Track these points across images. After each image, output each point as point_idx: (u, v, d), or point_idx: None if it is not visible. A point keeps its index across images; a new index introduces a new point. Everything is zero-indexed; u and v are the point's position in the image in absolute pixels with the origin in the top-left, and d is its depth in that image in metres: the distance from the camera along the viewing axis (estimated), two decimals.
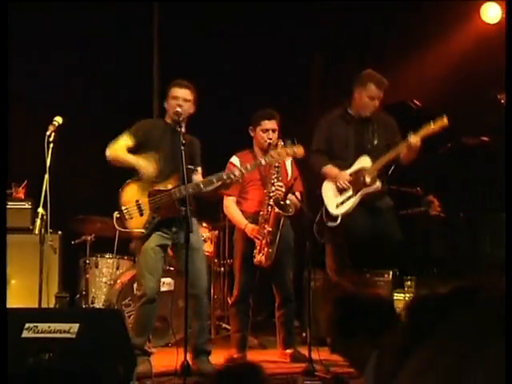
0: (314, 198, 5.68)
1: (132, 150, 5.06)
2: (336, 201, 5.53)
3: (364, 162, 5.54)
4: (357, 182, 5.50)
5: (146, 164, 4.97)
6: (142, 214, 4.99)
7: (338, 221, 5.51)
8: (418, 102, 6.58)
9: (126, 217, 4.99)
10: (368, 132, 5.56)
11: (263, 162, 5.13)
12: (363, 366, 2.59)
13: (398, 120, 6.24)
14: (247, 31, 7.91)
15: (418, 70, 7.55)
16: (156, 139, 5.08)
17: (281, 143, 5.42)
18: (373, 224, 5.54)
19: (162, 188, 4.96)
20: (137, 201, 5.00)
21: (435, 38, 7.47)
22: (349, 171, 5.56)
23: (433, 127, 5.31)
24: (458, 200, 5.45)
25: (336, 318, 2.69)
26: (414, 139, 5.31)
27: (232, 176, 4.90)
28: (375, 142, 5.56)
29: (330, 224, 5.56)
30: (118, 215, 5.00)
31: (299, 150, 5.11)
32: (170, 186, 4.93)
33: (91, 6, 7.54)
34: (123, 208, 5.00)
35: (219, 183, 4.95)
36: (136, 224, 4.99)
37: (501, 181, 5.94)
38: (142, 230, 4.96)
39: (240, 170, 4.95)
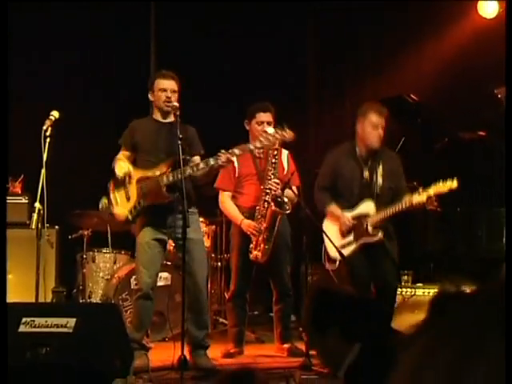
0: (311, 191, 5.68)
1: (132, 157, 5.09)
2: (337, 243, 5.33)
3: (368, 207, 5.35)
4: (359, 227, 5.33)
5: (120, 164, 5.00)
6: (128, 200, 5.00)
7: (337, 264, 5.37)
8: (414, 97, 6.58)
9: (113, 202, 5.01)
10: (374, 172, 5.38)
11: (251, 146, 5.01)
12: (336, 363, 2.55)
13: (395, 114, 6.25)
14: (244, 30, 7.91)
15: (415, 64, 7.56)
16: (145, 138, 5.07)
17: (271, 128, 5.40)
18: (372, 274, 5.46)
19: (150, 175, 4.97)
20: (125, 187, 5.01)
21: (432, 33, 7.48)
22: (351, 214, 5.38)
23: (441, 188, 5.16)
24: (455, 195, 5.44)
25: (310, 312, 2.65)
26: (419, 199, 5.17)
27: (219, 161, 4.85)
28: (381, 185, 5.37)
29: (329, 266, 5.42)
30: (106, 201, 5.02)
31: (289, 134, 5.02)
32: (158, 173, 4.93)
33: (91, 6, 7.55)
34: (111, 195, 5.02)
35: (207, 168, 4.90)
36: (122, 209, 5.00)
37: (498, 175, 5.96)
38: (128, 215, 4.97)
39: (226, 155, 4.89)
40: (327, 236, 5.26)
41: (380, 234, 5.30)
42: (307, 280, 5.82)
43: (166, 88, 5.03)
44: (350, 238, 5.34)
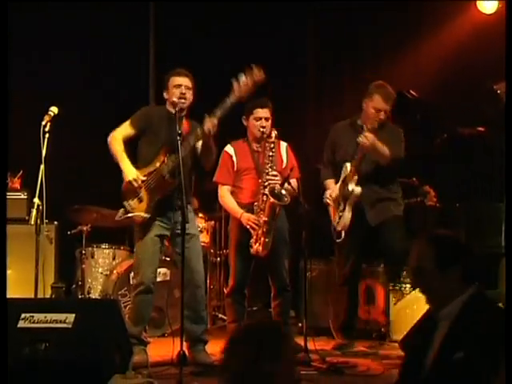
0: (310, 186, 5.70)
1: (133, 137, 5.12)
2: (336, 216, 5.60)
3: (345, 170, 5.59)
4: (345, 192, 5.55)
5: (128, 170, 4.99)
6: (141, 201, 5.01)
7: (342, 236, 5.56)
8: (414, 93, 6.58)
9: (128, 209, 5.03)
10: None
11: (229, 99, 5.02)
12: (443, 303, 2.73)
13: (394, 110, 6.24)
14: (244, 30, 7.90)
15: (414, 60, 7.55)
16: (156, 126, 5.11)
17: (274, 132, 5.41)
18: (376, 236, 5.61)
19: (151, 169, 4.99)
20: (135, 193, 5.03)
21: (431, 29, 7.47)
22: (338, 184, 5.64)
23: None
24: (454, 190, 5.45)
25: (435, 249, 2.77)
26: (361, 138, 5.36)
27: (205, 127, 4.88)
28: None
29: (337, 240, 5.64)
30: (123, 210, 5.05)
31: (258, 74, 5.12)
32: (157, 164, 4.98)
33: (91, 6, 7.55)
34: (125, 203, 5.04)
35: (198, 139, 4.97)
36: (138, 210, 5.02)
37: (497, 171, 5.96)
38: (144, 215, 4.99)
39: (209, 119, 4.93)
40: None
41: (356, 188, 5.46)
42: (306, 275, 5.82)
43: (181, 84, 5.07)
44: (341, 206, 5.57)
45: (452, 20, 7.34)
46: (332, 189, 5.68)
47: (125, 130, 5.12)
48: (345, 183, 5.56)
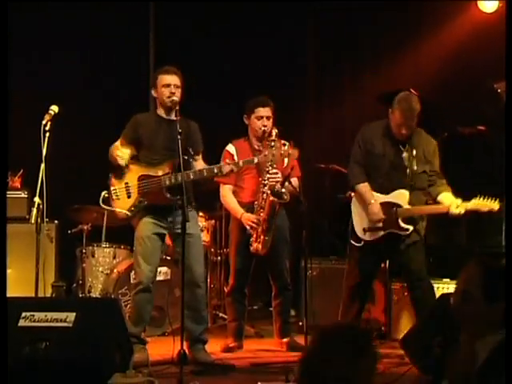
0: (311, 185, 5.67)
1: (133, 151, 5.08)
2: (364, 224, 5.31)
3: (401, 197, 5.23)
4: (389, 216, 5.22)
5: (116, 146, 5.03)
6: (129, 197, 5.01)
7: (362, 243, 5.33)
8: (414, 91, 6.57)
9: (113, 197, 5.02)
10: (409, 155, 5.21)
11: (256, 160, 5.06)
12: (484, 333, 2.62)
13: None
14: (244, 30, 7.91)
15: (414, 59, 7.55)
16: (149, 134, 5.07)
17: (275, 131, 5.40)
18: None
19: (152, 173, 4.97)
20: (126, 183, 5.02)
21: (431, 28, 7.47)
22: (381, 199, 5.26)
23: (481, 206, 5.07)
24: (454, 189, 5.44)
25: (483, 281, 2.63)
26: (457, 211, 5.08)
27: (223, 170, 4.90)
28: (414, 168, 5.22)
29: (354, 243, 5.39)
30: (107, 195, 5.03)
31: (294, 153, 5.07)
32: (160, 173, 4.94)
33: (91, 6, 7.56)
34: (112, 188, 5.03)
35: (208, 175, 4.95)
36: (122, 205, 5.01)
37: (497, 170, 5.95)
38: (127, 212, 4.98)
39: (231, 166, 4.94)
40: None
41: (411, 228, 5.21)
42: (306, 274, 5.82)
43: (170, 83, 5.04)
44: (379, 224, 5.25)
45: (452, 19, 7.34)
46: (378, 206, 5.24)
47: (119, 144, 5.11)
48: (394, 209, 5.22)
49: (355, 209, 5.40)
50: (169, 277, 6.16)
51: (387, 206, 5.24)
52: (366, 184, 5.30)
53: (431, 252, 5.85)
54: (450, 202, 5.15)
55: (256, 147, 5.59)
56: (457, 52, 7.17)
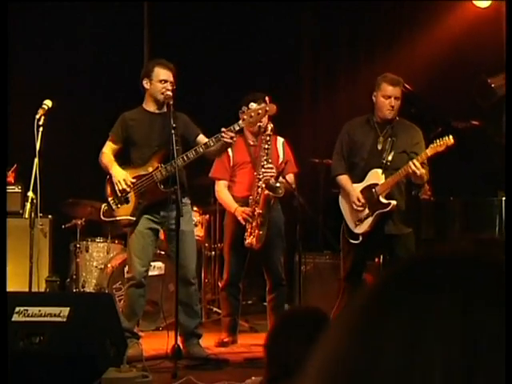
0: (305, 180, 5.67)
1: (121, 149, 5.07)
2: (354, 218, 5.34)
3: (376, 176, 5.33)
4: (371, 199, 5.30)
5: (117, 172, 4.96)
6: (128, 202, 4.98)
7: (360, 238, 5.33)
8: (408, 86, 6.58)
9: (114, 207, 5.00)
10: (388, 141, 5.34)
11: (237, 126, 4.87)
12: None
13: None
14: (238, 21, 7.89)
15: (409, 54, 7.56)
16: (143, 133, 5.04)
17: (270, 125, 5.40)
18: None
19: (142, 172, 4.95)
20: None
21: (426, 22, 7.47)
22: (360, 187, 5.34)
23: (438, 147, 5.13)
24: (449, 184, 5.45)
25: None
26: (417, 164, 5.12)
27: (224, 139, 4.80)
28: (392, 154, 5.32)
29: (353, 241, 5.38)
30: (106, 207, 5.02)
31: (271, 107, 4.94)
32: (150, 169, 4.93)
33: (87, 6, 7.55)
34: (110, 199, 5.01)
35: (205, 150, 4.88)
36: (124, 212, 4.99)
37: (491, 165, 5.96)
38: (130, 218, 4.97)
39: (229, 132, 4.82)
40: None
41: (394, 202, 5.28)
42: (300, 269, 5.83)
43: (167, 79, 4.96)
44: (366, 211, 5.31)
45: (446, 15, 7.34)
46: (357, 193, 5.34)
47: (109, 145, 5.08)
48: (373, 190, 5.32)
49: (343, 205, 5.44)
50: (163, 271, 6.16)
51: (366, 190, 5.33)
52: (346, 176, 5.40)
53: (425, 245, 5.86)
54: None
55: (251, 143, 5.59)
56: (451, 47, 7.17)
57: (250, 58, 7.85)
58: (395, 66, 7.38)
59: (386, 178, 5.28)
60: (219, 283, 6.46)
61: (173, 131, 4.71)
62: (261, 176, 5.38)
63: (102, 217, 5.04)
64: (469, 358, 0.56)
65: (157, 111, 5.05)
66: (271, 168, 5.38)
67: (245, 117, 4.90)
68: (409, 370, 0.57)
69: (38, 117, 4.93)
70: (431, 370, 0.57)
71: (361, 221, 5.32)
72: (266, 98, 5.16)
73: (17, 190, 6.64)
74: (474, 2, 7.15)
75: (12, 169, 6.76)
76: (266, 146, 5.40)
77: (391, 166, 5.30)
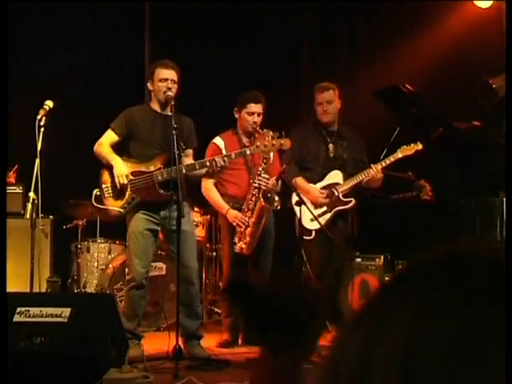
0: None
1: (119, 142, 5.05)
2: (309, 215, 5.44)
3: (336, 177, 5.73)
4: (330, 196, 5.66)
5: (119, 165, 4.96)
6: (121, 193, 4.98)
7: (313, 235, 5.55)
8: (409, 87, 6.58)
9: (106, 195, 4.99)
10: (338, 146, 5.78)
11: (248, 152, 5.04)
12: None
13: (390, 104, 6.24)
14: (238, 20, 7.89)
15: (410, 54, 7.55)
16: (145, 129, 5.04)
17: (270, 133, 5.38)
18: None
19: (143, 169, 4.95)
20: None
21: (427, 22, 7.47)
22: (321, 185, 5.71)
23: (406, 151, 5.58)
24: (450, 184, 5.45)
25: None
26: (375, 170, 5.57)
27: (214, 164, 4.87)
28: (345, 156, 5.77)
29: (306, 237, 5.56)
30: (98, 193, 5.01)
31: (286, 143, 5.06)
32: (152, 168, 4.93)
33: (91, 6, 7.55)
34: (104, 186, 5.00)
35: (202, 170, 4.95)
36: (114, 203, 4.98)
37: (492, 165, 5.96)
38: (120, 210, 4.96)
39: (224, 159, 4.92)
40: (307, 207, 5.36)
41: (353, 201, 5.67)
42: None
43: (167, 78, 4.99)
44: (324, 208, 5.65)
45: (447, 15, 7.34)
46: (318, 189, 5.69)
47: (109, 137, 5.06)
48: (334, 189, 5.68)
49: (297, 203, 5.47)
50: (164, 272, 6.16)
51: (326, 189, 5.70)
52: (301, 178, 5.70)
53: (426, 246, 5.86)
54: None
55: (245, 142, 5.57)
56: (452, 47, 7.17)
57: (250, 58, 7.85)
58: (395, 66, 7.39)
59: (344, 180, 5.70)
60: (220, 284, 6.46)
61: (174, 132, 4.70)
62: (256, 184, 5.37)
63: (93, 201, 5.03)
64: (469, 357, 0.58)
65: (161, 111, 5.06)
66: (267, 178, 5.36)
67: (258, 143, 5.02)
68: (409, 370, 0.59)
69: (39, 117, 4.93)
70: (432, 369, 0.59)
71: (319, 217, 5.53)
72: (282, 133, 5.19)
73: (18, 190, 6.64)
74: (475, 2, 7.14)
75: (13, 169, 6.76)
76: (266, 156, 5.36)
77: (347, 170, 5.74)
